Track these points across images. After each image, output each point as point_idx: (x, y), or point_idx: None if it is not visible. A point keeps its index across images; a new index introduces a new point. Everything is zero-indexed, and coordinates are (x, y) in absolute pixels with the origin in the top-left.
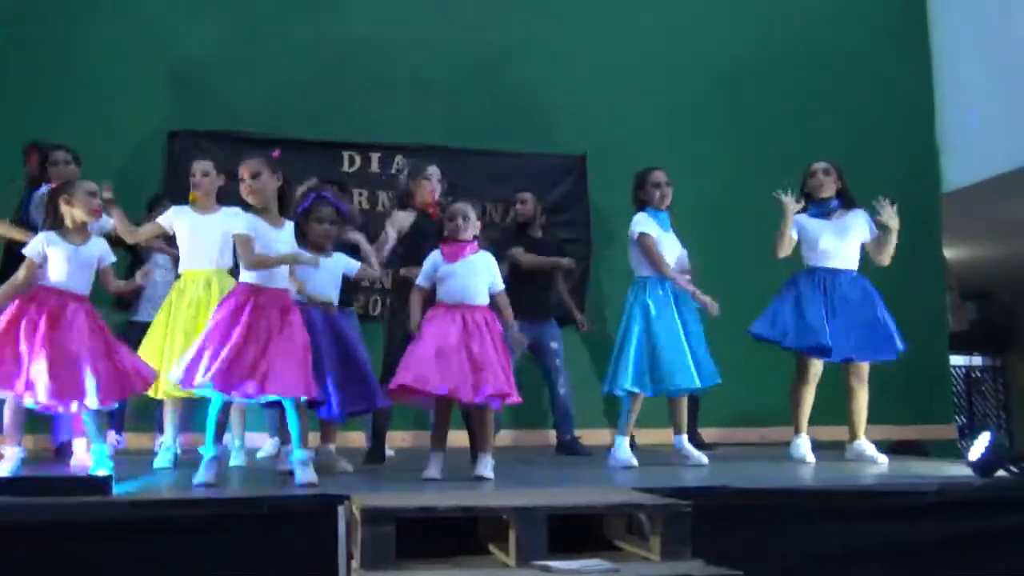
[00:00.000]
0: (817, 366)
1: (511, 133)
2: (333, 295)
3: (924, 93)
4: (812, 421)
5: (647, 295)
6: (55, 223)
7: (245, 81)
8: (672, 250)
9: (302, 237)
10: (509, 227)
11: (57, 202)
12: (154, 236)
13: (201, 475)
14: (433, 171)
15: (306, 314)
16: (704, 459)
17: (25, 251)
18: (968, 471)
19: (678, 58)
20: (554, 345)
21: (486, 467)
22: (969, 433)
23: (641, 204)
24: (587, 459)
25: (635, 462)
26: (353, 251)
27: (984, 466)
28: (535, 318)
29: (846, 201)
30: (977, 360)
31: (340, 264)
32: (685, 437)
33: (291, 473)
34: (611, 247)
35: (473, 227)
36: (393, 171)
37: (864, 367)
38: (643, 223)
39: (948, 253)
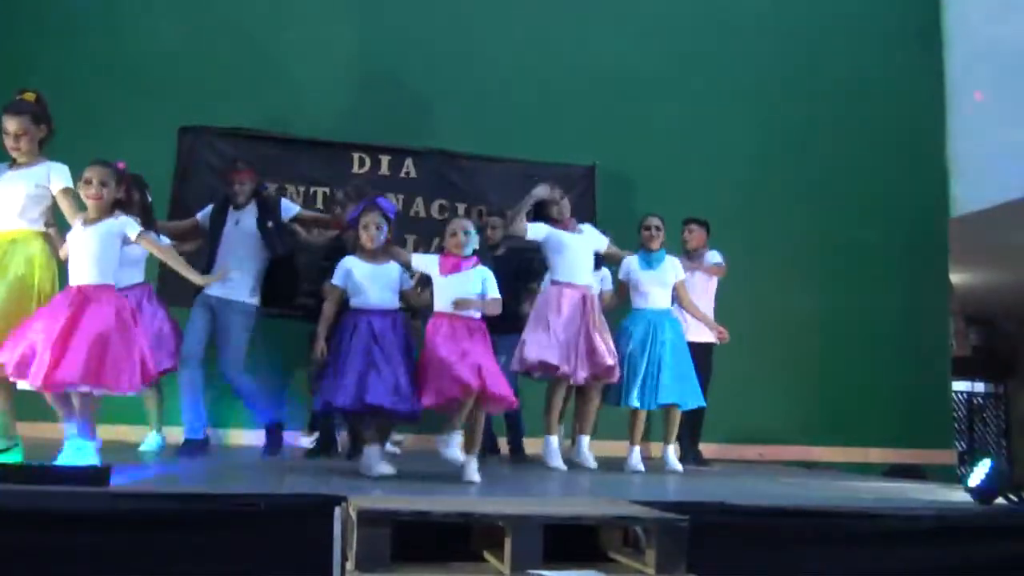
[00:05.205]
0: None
1: (522, 141)
2: (392, 301)
3: (937, 118)
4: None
5: (629, 324)
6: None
7: (257, 79)
8: (658, 283)
9: (354, 244)
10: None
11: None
12: None
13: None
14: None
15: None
16: (679, 467)
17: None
18: (967, 497)
19: (691, 75)
20: (502, 358)
21: (471, 471)
22: (969, 459)
23: (639, 245)
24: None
25: (642, 467)
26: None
27: (984, 493)
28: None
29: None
30: (979, 386)
31: (395, 270)
32: (671, 448)
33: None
34: None
35: (474, 242)
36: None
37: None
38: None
39: (954, 278)
